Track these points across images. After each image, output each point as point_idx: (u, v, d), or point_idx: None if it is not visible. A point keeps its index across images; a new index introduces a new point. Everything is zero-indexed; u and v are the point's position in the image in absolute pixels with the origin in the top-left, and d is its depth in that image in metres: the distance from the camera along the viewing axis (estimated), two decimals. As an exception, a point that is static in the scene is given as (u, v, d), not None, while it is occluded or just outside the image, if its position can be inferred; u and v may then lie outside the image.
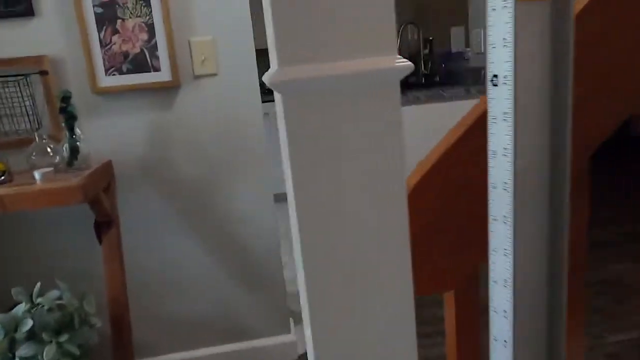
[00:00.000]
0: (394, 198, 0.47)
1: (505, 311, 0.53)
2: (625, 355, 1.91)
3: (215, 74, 1.81)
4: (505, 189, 0.51)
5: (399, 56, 0.44)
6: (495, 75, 0.49)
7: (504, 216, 0.51)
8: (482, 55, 2.95)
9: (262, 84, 4.36)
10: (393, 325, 0.51)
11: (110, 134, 1.80)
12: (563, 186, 0.51)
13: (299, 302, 2.60)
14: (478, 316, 0.73)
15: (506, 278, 0.52)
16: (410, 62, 0.43)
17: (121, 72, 1.74)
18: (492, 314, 0.54)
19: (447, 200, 0.66)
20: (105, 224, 1.73)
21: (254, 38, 1.80)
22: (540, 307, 0.53)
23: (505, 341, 0.53)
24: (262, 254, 1.96)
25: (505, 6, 0.46)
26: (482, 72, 2.98)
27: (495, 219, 0.52)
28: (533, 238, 0.52)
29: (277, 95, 0.47)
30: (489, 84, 0.51)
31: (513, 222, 0.51)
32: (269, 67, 0.49)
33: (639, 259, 2.63)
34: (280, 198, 4.08)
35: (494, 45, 0.49)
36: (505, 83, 0.48)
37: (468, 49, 3.13)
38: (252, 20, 1.79)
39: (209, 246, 1.93)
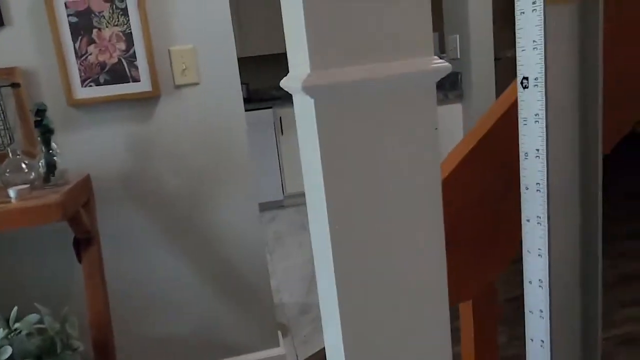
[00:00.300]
0: (430, 204, 0.45)
1: (541, 311, 0.51)
2: (613, 351, 1.94)
3: (196, 83, 1.76)
4: (538, 190, 0.49)
5: (435, 57, 0.42)
6: (526, 78, 0.48)
7: (538, 217, 0.50)
8: (458, 60, 2.99)
9: (249, 93, 4.29)
10: (428, 337, 0.49)
11: (88, 147, 1.73)
12: (595, 186, 0.50)
13: (286, 314, 2.55)
14: (496, 327, 0.72)
15: (541, 278, 0.50)
16: (447, 63, 0.42)
17: (98, 83, 1.67)
18: (527, 314, 0.53)
19: (463, 211, 0.64)
20: (84, 241, 1.65)
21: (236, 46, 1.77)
22: (575, 307, 0.52)
23: (542, 341, 0.51)
24: (248, 266, 1.92)
25: (534, 9, 0.45)
26: (459, 77, 3.02)
27: (528, 220, 0.51)
28: (566, 238, 0.51)
29: (302, 99, 0.44)
30: (519, 87, 0.49)
31: (547, 223, 0.49)
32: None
33: (610, 256, 2.70)
34: (264, 207, 4.04)
35: (523, 48, 0.47)
36: (536, 85, 0.47)
37: (444, 55, 3.17)
38: (233, 28, 1.76)
39: (193, 260, 1.87)
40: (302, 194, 4.12)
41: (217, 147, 1.80)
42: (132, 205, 1.79)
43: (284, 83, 0.48)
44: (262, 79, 4.49)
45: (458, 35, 2.94)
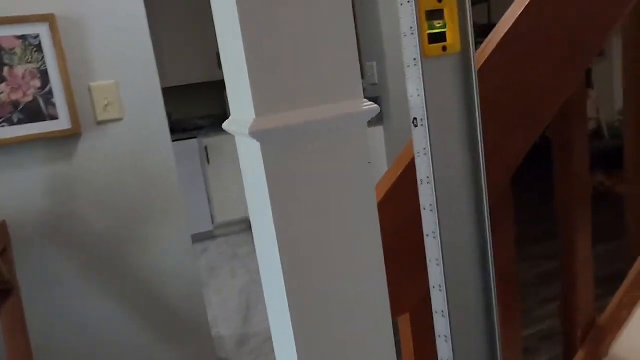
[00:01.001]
0: (367, 227, 0.50)
1: (442, 311, 0.58)
2: (535, 347, 2.10)
3: (120, 119, 1.72)
4: (431, 210, 0.56)
5: (365, 99, 0.47)
6: (415, 118, 0.55)
7: (433, 232, 0.56)
8: (377, 85, 3.15)
9: (171, 123, 4.18)
10: (375, 347, 0.53)
11: (2, 191, 1.62)
12: (481, 206, 0.57)
13: (224, 347, 2.49)
14: (432, 337, 0.78)
15: (440, 283, 0.57)
16: (376, 105, 0.47)
17: (11, 123, 1.59)
18: (433, 314, 0.59)
19: (399, 226, 0.70)
20: (3, 293, 1.53)
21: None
22: (476, 306, 0.59)
23: (445, 336, 0.58)
24: (184, 301, 1.87)
25: (415, 64, 0.52)
26: (378, 99, 3.18)
27: (427, 235, 0.57)
28: (459, 249, 0.58)
29: (247, 142, 0.48)
30: (412, 125, 0.56)
31: (440, 237, 0.56)
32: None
33: (527, 257, 2.94)
34: (195, 239, 3.94)
35: (411, 95, 0.54)
36: (422, 125, 0.54)
37: (362, 80, 3.33)
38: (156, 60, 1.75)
39: (126, 301, 1.80)
40: (232, 223, 4.08)
41: (146, 182, 1.76)
42: (55, 250, 1.70)
43: (227, 126, 0.51)
44: (184, 109, 4.43)
45: (375, 62, 3.10)
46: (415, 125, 0.52)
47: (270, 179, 0.45)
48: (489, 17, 4.27)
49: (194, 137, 3.78)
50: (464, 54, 0.51)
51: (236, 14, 0.42)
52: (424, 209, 0.55)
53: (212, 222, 3.94)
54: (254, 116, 0.44)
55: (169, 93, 4.31)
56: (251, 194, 0.51)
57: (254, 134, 0.43)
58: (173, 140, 3.69)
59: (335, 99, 0.46)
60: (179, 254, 1.82)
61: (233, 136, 3.90)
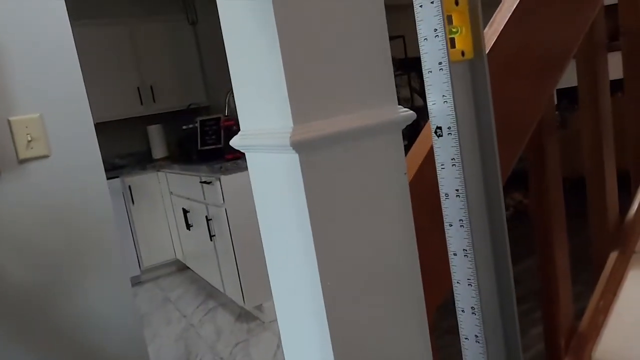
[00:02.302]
0: (404, 240, 0.47)
1: (477, 336, 0.55)
2: None
3: (46, 156, 1.56)
4: (461, 226, 0.54)
5: (400, 106, 0.45)
6: (439, 127, 0.53)
7: (465, 250, 0.55)
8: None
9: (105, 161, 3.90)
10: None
11: None
12: (501, 218, 0.57)
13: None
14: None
15: (474, 306, 0.55)
16: (412, 111, 0.44)
17: None
18: (459, 313, 0.56)
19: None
20: None
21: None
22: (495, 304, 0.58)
23: (476, 336, 0.55)
24: (126, 353, 1.69)
25: (441, 68, 0.51)
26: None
27: (454, 254, 0.55)
28: (488, 268, 0.56)
29: (279, 157, 0.43)
30: (433, 136, 0.54)
31: (473, 255, 0.54)
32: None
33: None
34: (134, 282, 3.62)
35: (434, 102, 0.53)
36: (450, 134, 0.53)
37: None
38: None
39: (56, 361, 1.58)
40: (161, 266, 3.83)
41: (76, 225, 1.59)
42: (-32, 308, 1.46)
43: (241, 142, 0.46)
44: (103, 147, 4.16)
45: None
46: (440, 135, 0.50)
47: (310, 194, 0.41)
48: (405, 51, 4.51)
49: (117, 177, 3.55)
50: (478, 60, 0.51)
51: (272, 14, 0.38)
52: (451, 225, 0.53)
53: (140, 266, 3.68)
54: (291, 125, 0.39)
55: (101, 129, 4.02)
56: (276, 211, 0.46)
57: (297, 144, 0.39)
58: (112, 178, 3.43)
59: (372, 105, 0.43)
60: (118, 302, 1.65)
61: (157, 174, 3.72)
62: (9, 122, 1.50)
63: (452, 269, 0.57)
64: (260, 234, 0.49)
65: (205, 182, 2.77)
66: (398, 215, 0.46)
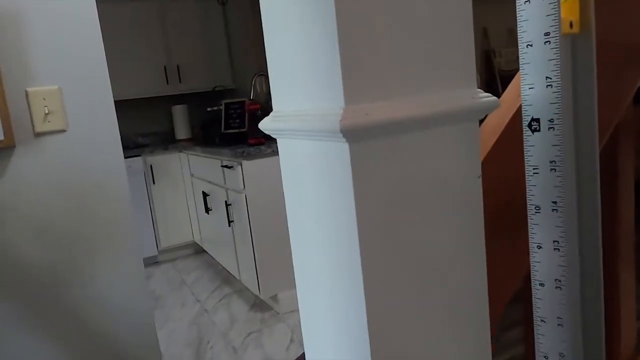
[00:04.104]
0: (473, 255, 0.37)
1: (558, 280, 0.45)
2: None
3: (63, 130, 1.49)
4: (556, 248, 0.44)
5: (479, 89, 0.35)
6: (536, 120, 0.43)
7: (557, 279, 0.44)
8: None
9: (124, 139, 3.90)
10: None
11: None
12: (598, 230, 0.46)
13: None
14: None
15: (559, 316, 0.45)
16: (494, 97, 0.34)
17: None
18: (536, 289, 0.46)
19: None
20: None
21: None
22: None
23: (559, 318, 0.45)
24: (134, 338, 1.63)
25: (547, 41, 0.40)
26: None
27: (542, 284, 0.45)
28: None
29: (322, 145, 0.33)
30: (526, 131, 0.44)
31: (567, 289, 0.44)
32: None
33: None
34: (151, 262, 3.61)
35: (531, 86, 0.42)
36: (554, 128, 0.42)
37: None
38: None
39: (65, 344, 1.54)
40: (178, 248, 3.80)
41: (92, 204, 1.53)
42: (-22, 283, 1.42)
43: (271, 124, 0.37)
44: (127, 125, 4.13)
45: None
46: (536, 130, 0.40)
47: (360, 196, 0.31)
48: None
49: (138, 156, 3.51)
50: (586, 34, 0.40)
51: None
52: (540, 247, 0.43)
53: (157, 247, 3.65)
54: (342, 105, 0.30)
55: (121, 107, 4.00)
56: (311, 214, 0.37)
57: (348, 130, 0.29)
58: (129, 157, 3.40)
59: (447, 86, 0.33)
60: (128, 285, 1.59)
61: (179, 155, 3.67)
62: (26, 92, 1.44)
63: (537, 304, 0.46)
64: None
65: (226, 167, 2.70)
66: (466, 230, 0.36)
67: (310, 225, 0.37)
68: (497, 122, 0.49)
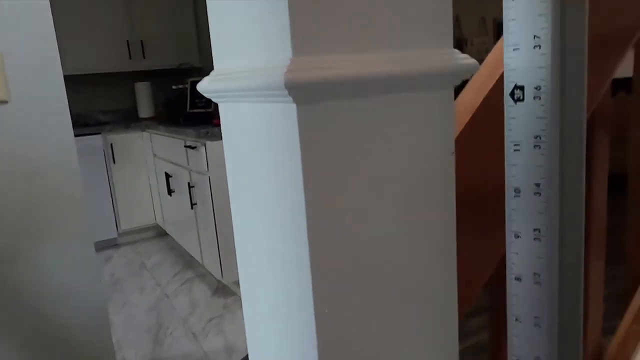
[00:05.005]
0: (442, 242, 0.32)
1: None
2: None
3: (4, 102, 1.37)
4: (536, 238, 0.39)
5: (456, 50, 0.29)
6: (520, 88, 0.37)
7: (535, 273, 0.39)
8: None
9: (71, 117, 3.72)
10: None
11: None
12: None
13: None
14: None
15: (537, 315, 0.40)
16: (474, 60, 0.29)
17: None
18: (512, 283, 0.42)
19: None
20: None
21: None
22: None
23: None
24: (86, 326, 1.55)
25: None
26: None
27: (519, 279, 0.40)
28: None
29: (266, 107, 0.27)
30: (507, 100, 0.38)
31: (547, 286, 0.39)
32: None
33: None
34: (98, 247, 3.48)
35: (516, 46, 0.37)
36: (537, 97, 0.37)
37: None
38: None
39: (7, 334, 1.44)
40: (139, 230, 3.68)
41: (36, 182, 1.42)
42: None
43: (209, 85, 0.30)
44: (86, 101, 3.94)
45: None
46: (519, 99, 0.34)
47: (311, 166, 0.25)
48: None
49: (98, 134, 3.35)
50: None
51: None
52: (518, 237, 0.38)
53: (117, 229, 3.51)
54: (290, 56, 0.24)
55: (68, 82, 3.80)
56: (256, 185, 0.31)
57: (294, 85, 0.23)
58: (80, 136, 3.24)
59: (419, 42, 0.27)
60: (79, 267, 1.50)
61: (142, 134, 3.52)
62: (-36, 58, 1.31)
63: (512, 300, 0.42)
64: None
65: (189, 147, 2.60)
66: (435, 213, 0.30)
67: (252, 211, 0.31)
68: (473, 97, 0.44)
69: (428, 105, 0.28)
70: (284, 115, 0.25)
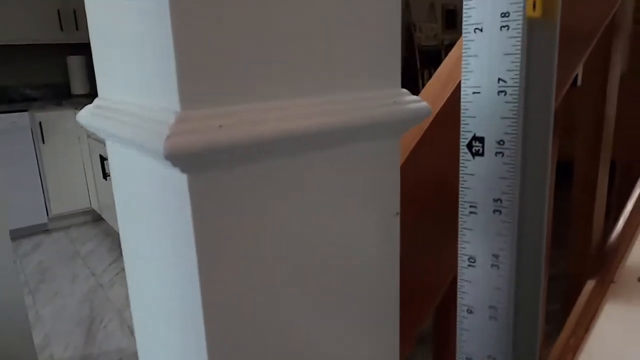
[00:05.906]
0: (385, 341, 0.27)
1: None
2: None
3: None
4: (495, 265, 0.35)
5: (405, 89, 0.23)
6: (478, 139, 0.32)
7: (497, 287, 0.35)
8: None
9: (7, 91, 3.40)
10: None
11: None
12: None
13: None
14: None
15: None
16: (425, 103, 0.23)
17: None
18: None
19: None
20: None
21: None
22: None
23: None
24: (2, 319, 1.42)
25: (505, 26, 0.30)
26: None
27: (469, 312, 0.36)
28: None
29: (142, 158, 0.21)
30: (464, 151, 0.33)
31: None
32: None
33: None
34: (23, 234, 3.24)
35: (477, 90, 0.31)
36: (500, 153, 0.32)
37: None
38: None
39: None
40: (73, 215, 3.46)
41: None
42: None
43: (92, 121, 0.23)
44: (11, 75, 3.62)
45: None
46: (478, 153, 0.29)
47: (207, 252, 0.19)
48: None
49: (25, 110, 3.09)
50: (549, 21, 0.30)
51: None
52: (473, 263, 0.33)
53: (48, 213, 3.29)
54: (177, 110, 0.17)
55: (-10, 53, 3.48)
56: (145, 242, 0.24)
57: (180, 155, 0.17)
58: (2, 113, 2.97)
59: (355, 86, 0.21)
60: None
61: (75, 112, 3.28)
62: None
63: (462, 336, 0.37)
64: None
65: (126, 130, 2.44)
66: (368, 306, 0.25)
67: (145, 269, 0.25)
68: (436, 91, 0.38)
69: (366, 160, 0.23)
70: (174, 182, 0.18)
